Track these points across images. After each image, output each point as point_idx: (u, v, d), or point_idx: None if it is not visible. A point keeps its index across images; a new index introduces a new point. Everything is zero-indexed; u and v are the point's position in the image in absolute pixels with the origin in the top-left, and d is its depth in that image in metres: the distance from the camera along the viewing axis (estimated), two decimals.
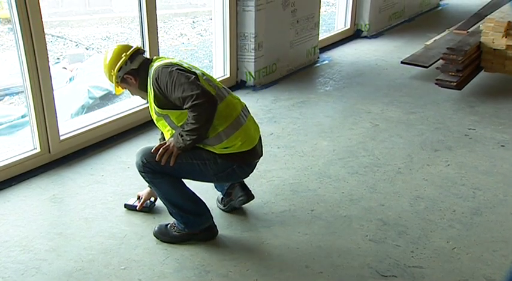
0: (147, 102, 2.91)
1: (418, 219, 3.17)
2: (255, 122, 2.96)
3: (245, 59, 5.19)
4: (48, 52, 3.66)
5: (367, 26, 7.05)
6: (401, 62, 5.63)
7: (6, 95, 5.82)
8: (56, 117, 3.72)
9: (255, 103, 4.87)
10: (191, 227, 2.91)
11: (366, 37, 7.06)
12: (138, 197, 3.25)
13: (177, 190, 2.86)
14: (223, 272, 2.72)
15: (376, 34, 7.19)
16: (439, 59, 5.34)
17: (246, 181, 3.12)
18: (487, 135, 4.27)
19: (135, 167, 2.86)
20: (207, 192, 3.20)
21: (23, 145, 3.89)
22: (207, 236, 2.95)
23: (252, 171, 2.93)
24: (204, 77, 2.81)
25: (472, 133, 4.30)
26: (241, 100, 2.95)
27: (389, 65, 6.02)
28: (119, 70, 2.84)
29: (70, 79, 6.09)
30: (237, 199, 3.14)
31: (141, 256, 2.83)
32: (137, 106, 4.33)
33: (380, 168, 3.76)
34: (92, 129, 4.02)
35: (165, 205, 2.91)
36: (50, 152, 3.73)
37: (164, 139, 2.96)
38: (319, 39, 6.19)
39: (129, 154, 3.88)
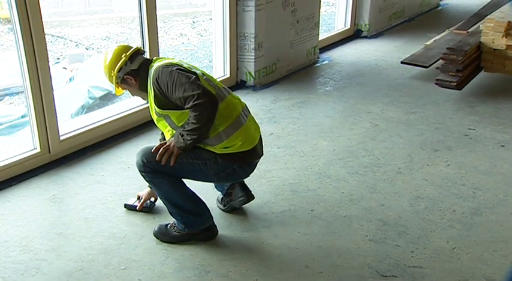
0: (148, 103, 2.91)
1: (418, 219, 3.17)
2: (255, 122, 2.96)
3: (245, 59, 5.19)
4: (48, 52, 3.66)
5: (367, 26, 7.05)
6: (401, 62, 5.63)
7: (6, 95, 5.82)
8: (56, 117, 3.72)
9: (255, 103, 4.87)
10: (191, 227, 2.91)
11: (366, 37, 7.06)
12: (138, 197, 3.25)
13: (177, 190, 2.86)
14: (223, 272, 2.72)
15: (376, 34, 7.19)
16: (439, 59, 5.34)
17: (246, 181, 3.12)
18: (487, 135, 4.27)
19: (135, 167, 2.86)
20: (207, 192, 3.20)
21: (23, 144, 3.89)
22: (207, 236, 2.95)
23: (253, 171, 2.93)
24: (204, 77, 2.81)
25: (472, 133, 4.30)
26: (242, 100, 2.95)
27: (389, 65, 6.02)
28: (119, 71, 2.84)
29: (70, 79, 6.09)
30: (237, 199, 3.14)
31: (141, 256, 2.83)
32: (137, 106, 4.33)
33: (380, 168, 3.76)
34: (92, 129, 4.02)
35: (165, 205, 2.92)
36: (50, 152, 3.74)
37: (164, 139, 2.95)
38: (319, 39, 6.19)
39: (129, 154, 3.88)
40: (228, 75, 5.17)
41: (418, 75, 5.65)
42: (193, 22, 9.26)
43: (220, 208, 3.24)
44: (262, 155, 2.95)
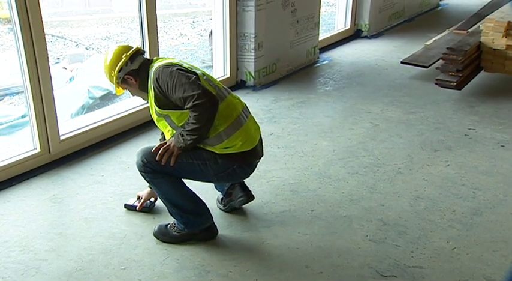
0: (148, 103, 2.91)
1: (418, 219, 3.17)
2: (255, 122, 2.96)
3: (245, 59, 5.19)
4: (48, 52, 3.66)
5: (367, 26, 7.05)
6: (401, 62, 5.63)
7: (6, 95, 5.82)
8: (56, 117, 3.72)
9: (255, 103, 4.87)
10: (191, 227, 2.91)
11: (366, 37, 7.06)
12: (138, 197, 3.25)
13: (177, 190, 2.86)
14: (223, 272, 2.72)
15: (376, 34, 7.19)
16: (439, 59, 5.34)
17: (246, 181, 3.12)
18: (487, 135, 4.27)
19: (135, 167, 2.86)
20: (207, 192, 3.20)
21: (23, 144, 3.89)
22: (207, 236, 2.95)
23: (253, 171, 2.93)
24: (205, 77, 2.81)
25: (472, 133, 4.30)
26: (242, 100, 2.95)
27: (389, 65, 6.02)
28: (119, 71, 2.84)
29: (70, 79, 6.09)
30: (237, 199, 3.14)
31: (141, 256, 2.83)
32: (137, 106, 4.33)
33: (380, 168, 3.76)
34: (92, 129, 4.02)
35: (165, 205, 2.92)
36: (50, 152, 3.73)
37: (165, 139, 2.95)
38: (319, 39, 6.19)
39: (129, 154, 3.88)
40: (228, 75, 5.17)
41: (418, 75, 5.65)
42: (193, 22, 9.27)
43: (220, 208, 3.24)
44: (262, 155, 2.95)
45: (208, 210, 2.95)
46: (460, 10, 8.51)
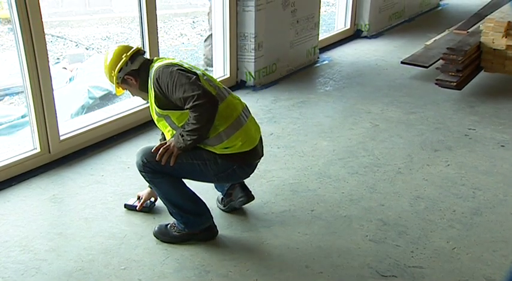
0: (148, 103, 2.91)
1: (418, 219, 3.17)
2: (255, 122, 2.96)
3: (245, 59, 5.19)
4: (48, 52, 3.66)
5: (367, 26, 7.05)
6: (401, 62, 5.63)
7: (6, 95, 5.82)
8: (56, 117, 3.72)
9: (255, 103, 4.87)
10: (191, 227, 2.91)
11: (366, 37, 7.06)
12: (138, 197, 3.25)
13: (177, 190, 2.86)
14: (223, 272, 2.72)
15: (376, 34, 7.19)
16: (439, 59, 5.34)
17: (246, 181, 3.12)
18: (487, 135, 4.27)
19: (135, 167, 2.86)
20: (207, 192, 3.20)
21: (23, 144, 3.89)
22: (207, 236, 2.95)
23: (253, 171, 2.93)
24: (205, 77, 2.81)
25: (472, 133, 4.30)
26: (242, 100, 2.95)
27: (389, 65, 6.02)
28: (119, 71, 2.84)
29: (70, 79, 6.09)
30: (237, 199, 3.14)
31: (141, 256, 2.83)
32: (137, 106, 4.33)
33: (380, 168, 3.76)
34: (92, 130, 4.02)
35: (165, 205, 2.92)
36: (50, 152, 3.74)
37: (165, 139, 2.96)
38: (319, 39, 6.19)
39: (129, 154, 3.88)
40: (228, 75, 5.17)
41: (418, 75, 5.65)
42: (193, 22, 9.26)
43: (220, 208, 3.24)
44: (262, 155, 2.95)
45: (208, 210, 2.95)
46: (460, 10, 8.51)
